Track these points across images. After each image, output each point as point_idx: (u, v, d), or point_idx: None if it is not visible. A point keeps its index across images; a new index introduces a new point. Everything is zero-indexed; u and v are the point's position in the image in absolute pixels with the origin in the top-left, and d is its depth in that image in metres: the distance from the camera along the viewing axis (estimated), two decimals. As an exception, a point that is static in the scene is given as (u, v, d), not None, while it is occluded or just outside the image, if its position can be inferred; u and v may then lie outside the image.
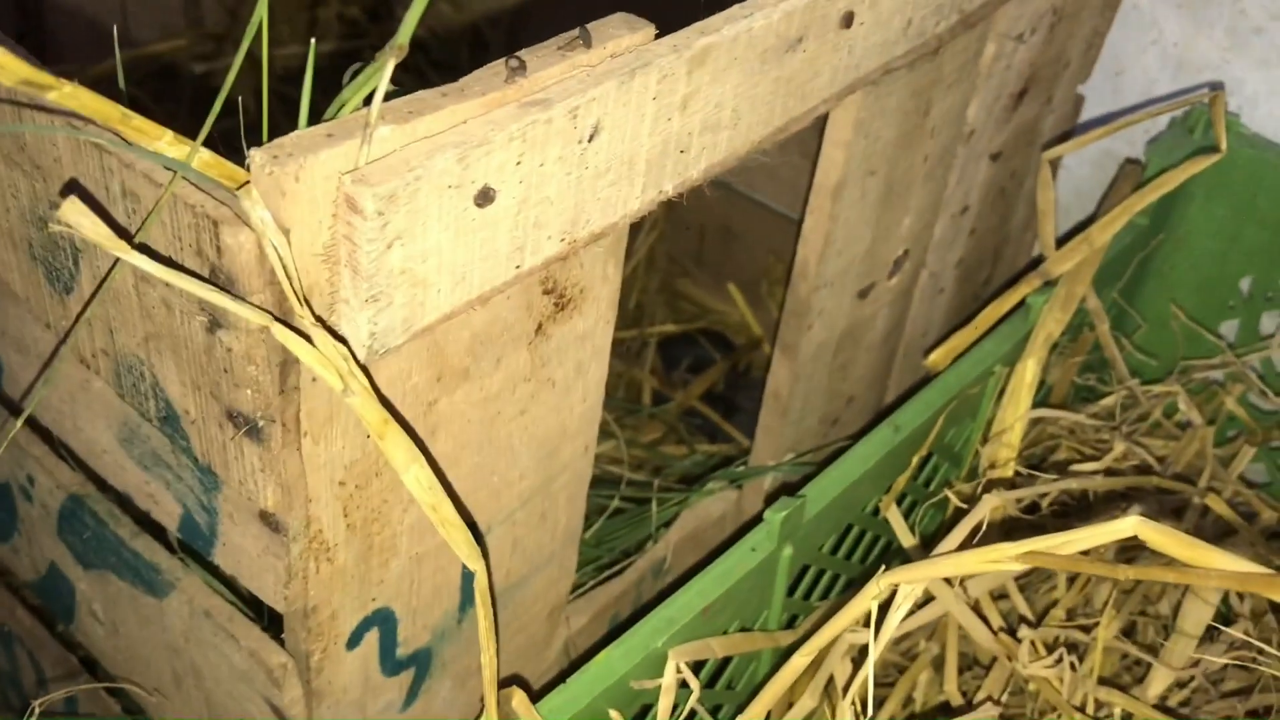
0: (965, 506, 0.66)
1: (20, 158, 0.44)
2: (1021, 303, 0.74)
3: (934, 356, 0.76)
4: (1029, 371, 0.71)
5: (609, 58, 0.45)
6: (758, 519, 0.60)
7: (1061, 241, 0.76)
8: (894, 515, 0.67)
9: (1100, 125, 0.80)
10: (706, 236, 1.12)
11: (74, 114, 0.38)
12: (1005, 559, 0.45)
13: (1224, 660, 0.64)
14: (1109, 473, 0.74)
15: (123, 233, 0.40)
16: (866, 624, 0.50)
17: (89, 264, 0.46)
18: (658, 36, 0.47)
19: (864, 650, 0.57)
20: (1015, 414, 0.72)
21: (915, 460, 0.67)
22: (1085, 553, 0.44)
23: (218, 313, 0.40)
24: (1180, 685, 0.67)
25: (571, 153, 0.44)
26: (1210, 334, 0.86)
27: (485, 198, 0.41)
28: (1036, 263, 0.76)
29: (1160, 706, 0.64)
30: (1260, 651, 0.62)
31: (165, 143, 0.37)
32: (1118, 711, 0.62)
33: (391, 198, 0.38)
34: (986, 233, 0.85)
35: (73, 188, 0.43)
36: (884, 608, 0.49)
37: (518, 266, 0.45)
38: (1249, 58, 0.81)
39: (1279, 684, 0.64)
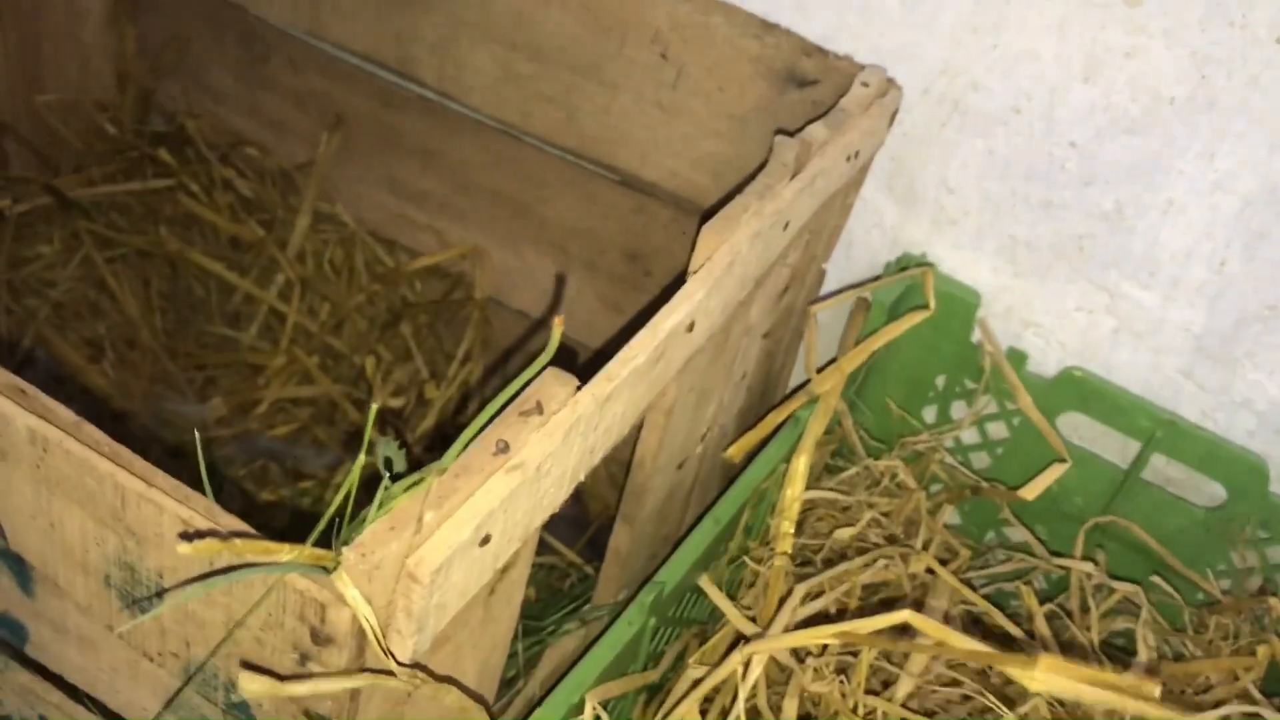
0: (760, 569, 0.90)
1: (115, 524, 0.58)
2: (792, 415, 0.96)
3: (732, 450, 0.98)
4: (802, 465, 0.94)
5: (553, 416, 0.63)
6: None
7: (821, 368, 0.99)
8: (709, 587, 0.88)
9: (838, 288, 1.05)
10: (509, 355, 1.30)
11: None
12: (827, 636, 0.68)
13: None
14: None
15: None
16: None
17: (173, 595, 0.59)
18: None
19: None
20: (794, 496, 0.94)
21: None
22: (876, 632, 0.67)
23: (310, 652, 0.56)
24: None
25: (535, 490, 0.62)
26: (915, 419, 1.12)
27: (485, 541, 0.59)
28: (801, 386, 0.99)
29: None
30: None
31: (281, 555, 0.53)
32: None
33: (439, 570, 0.55)
34: (756, 384, 1.07)
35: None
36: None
37: (496, 567, 0.63)
38: (945, 240, 1.07)
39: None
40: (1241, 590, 1.05)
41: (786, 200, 0.78)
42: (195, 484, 0.59)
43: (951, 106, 1.00)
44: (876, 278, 1.08)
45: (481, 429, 0.60)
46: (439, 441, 1.24)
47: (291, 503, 1.17)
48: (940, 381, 1.12)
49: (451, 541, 0.56)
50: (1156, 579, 1.02)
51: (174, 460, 1.24)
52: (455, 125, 1.19)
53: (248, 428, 1.25)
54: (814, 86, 0.99)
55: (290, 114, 1.29)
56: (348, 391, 1.25)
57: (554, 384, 0.64)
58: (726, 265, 0.73)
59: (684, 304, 0.72)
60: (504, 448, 0.59)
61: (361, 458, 0.57)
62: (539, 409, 0.62)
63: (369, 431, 0.59)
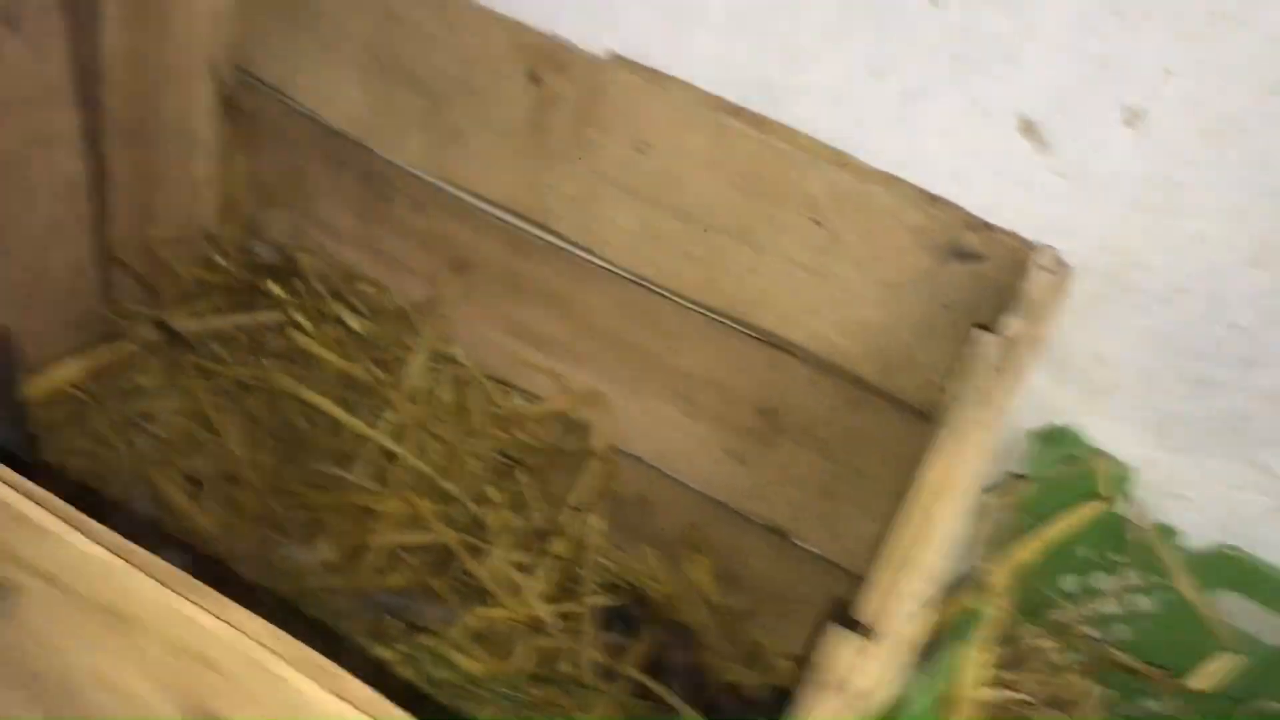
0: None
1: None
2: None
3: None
4: (976, 660, 0.92)
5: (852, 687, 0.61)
6: None
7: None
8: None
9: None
10: (625, 504, 1.28)
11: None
12: None
13: None
14: None
15: None
16: None
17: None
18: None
19: None
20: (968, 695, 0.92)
21: None
22: None
23: None
24: None
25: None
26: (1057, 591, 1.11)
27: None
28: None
29: None
30: None
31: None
32: None
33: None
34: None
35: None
36: None
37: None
38: (1093, 410, 1.06)
39: None
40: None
41: (999, 405, 0.78)
42: (310, 638, 0.59)
43: (1111, 282, 0.99)
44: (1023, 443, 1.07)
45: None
46: (561, 593, 1.22)
47: (412, 662, 1.15)
48: (1080, 550, 1.10)
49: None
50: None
51: (287, 611, 1.22)
52: (587, 275, 1.18)
53: (358, 575, 1.23)
54: (978, 261, 0.99)
55: (410, 253, 1.28)
56: (465, 539, 1.23)
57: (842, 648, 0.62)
58: (962, 484, 0.72)
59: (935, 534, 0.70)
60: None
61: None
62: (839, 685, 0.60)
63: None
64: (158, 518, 1.28)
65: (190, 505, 1.27)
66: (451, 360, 1.30)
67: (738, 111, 1.04)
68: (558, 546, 1.23)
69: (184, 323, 1.31)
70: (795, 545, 1.21)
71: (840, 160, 1.02)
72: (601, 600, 1.23)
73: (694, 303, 1.14)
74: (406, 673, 1.13)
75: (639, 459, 1.26)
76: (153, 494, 1.27)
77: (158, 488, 1.27)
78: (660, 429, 1.23)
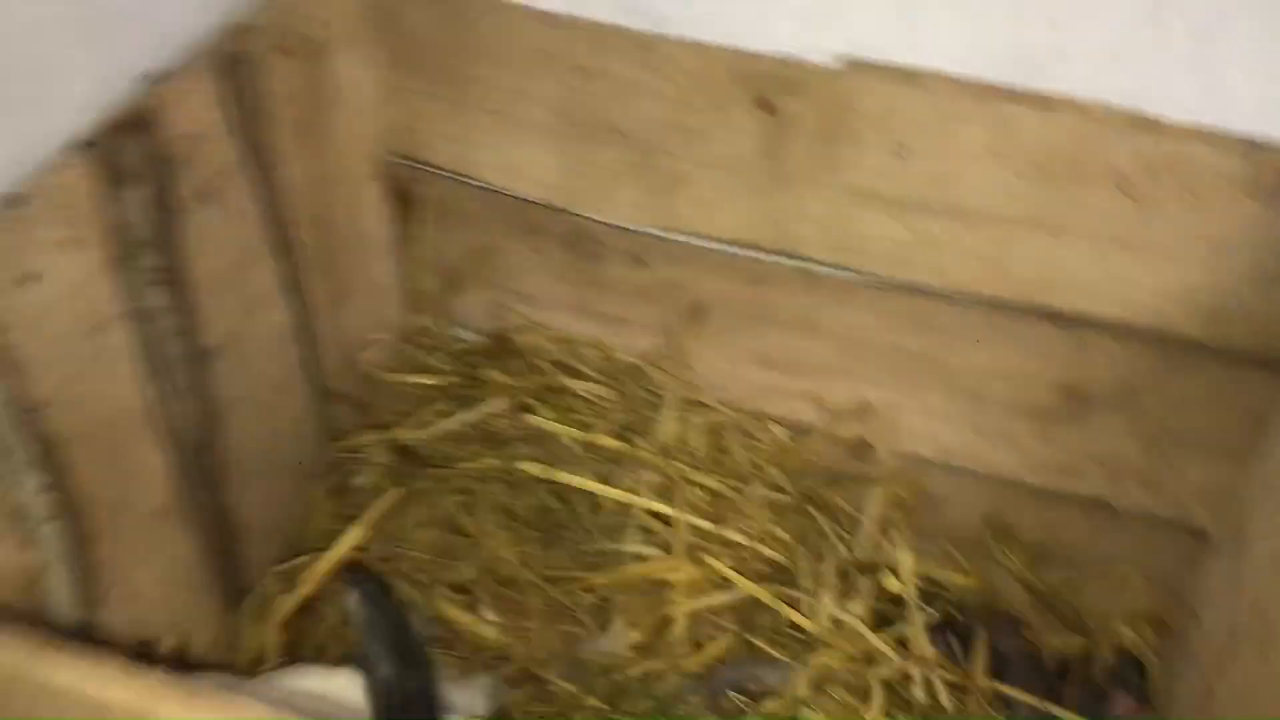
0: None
1: None
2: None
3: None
4: None
5: None
6: None
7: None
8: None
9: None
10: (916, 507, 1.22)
11: None
12: None
13: None
14: None
15: None
16: None
17: None
18: None
19: None
20: None
21: None
22: None
23: None
24: None
25: None
26: None
27: None
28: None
29: None
30: None
31: None
32: None
33: None
34: None
35: None
36: None
37: None
38: None
39: None
40: None
41: None
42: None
43: None
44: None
45: None
46: (881, 618, 1.16)
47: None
48: None
49: None
50: None
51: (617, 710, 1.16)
52: (843, 292, 1.10)
53: (673, 651, 1.17)
54: (1318, 200, 0.91)
55: (631, 307, 1.20)
56: (772, 589, 1.17)
57: None
58: None
59: None
60: None
61: None
62: None
63: None
64: (443, 639, 1.22)
65: (472, 619, 1.20)
66: (699, 405, 1.23)
67: (1013, 95, 0.95)
68: (866, 571, 1.17)
69: (413, 435, 1.23)
70: (1115, 510, 1.16)
71: (1140, 123, 0.93)
72: (926, 614, 1.18)
73: (976, 298, 1.06)
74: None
75: (924, 459, 1.19)
76: (430, 616, 1.21)
77: (436, 609, 1.20)
78: (944, 427, 1.16)
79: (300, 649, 1.11)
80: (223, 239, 0.98)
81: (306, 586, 1.08)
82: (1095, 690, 1.19)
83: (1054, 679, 1.20)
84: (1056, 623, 1.24)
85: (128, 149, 0.87)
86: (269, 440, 1.11)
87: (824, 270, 1.09)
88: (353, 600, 0.94)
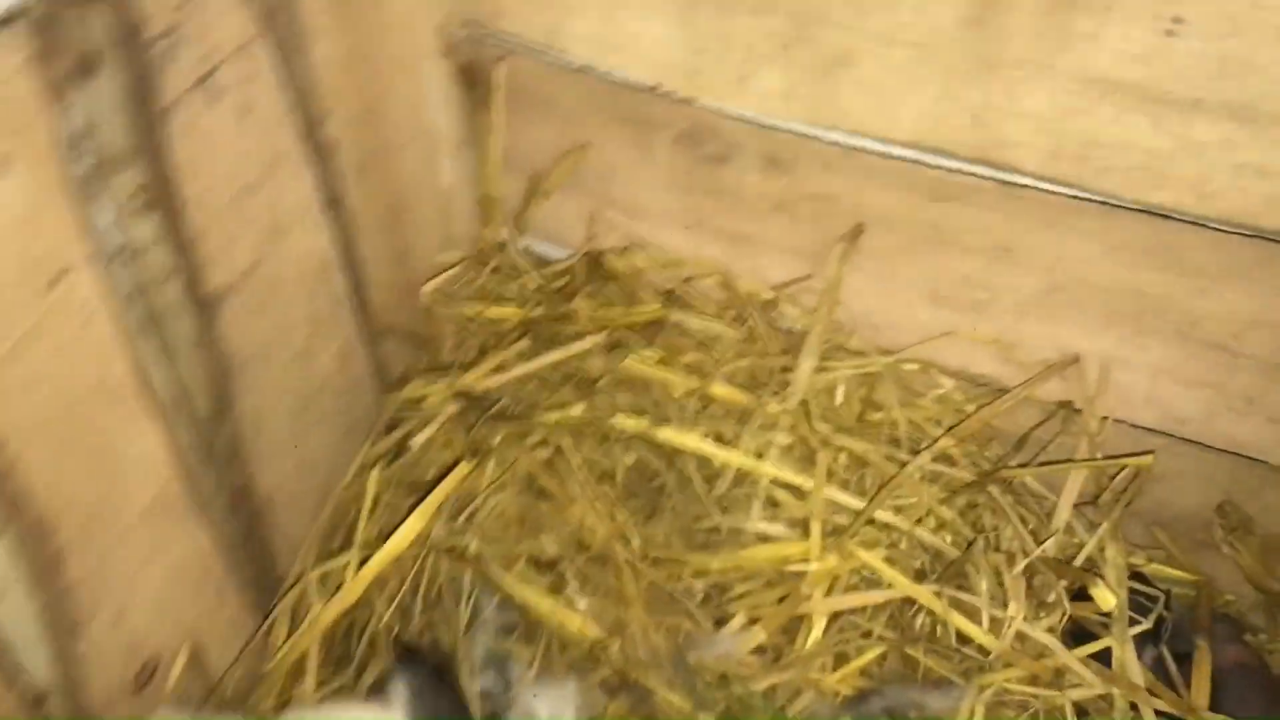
0: None
1: None
2: None
3: None
4: None
5: None
6: None
7: None
8: None
9: None
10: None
11: None
12: None
13: None
14: None
15: None
16: None
17: None
18: None
19: None
20: None
21: None
22: None
23: None
24: None
25: None
26: None
27: None
28: None
29: None
30: None
31: None
32: None
33: None
34: None
35: None
36: None
37: None
38: None
39: None
40: None
41: None
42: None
43: None
44: None
45: None
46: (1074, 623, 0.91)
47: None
48: None
49: None
50: None
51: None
52: (1062, 213, 0.82)
53: (805, 660, 0.93)
54: None
55: (765, 225, 0.92)
56: (944, 593, 0.92)
57: None
58: None
59: None
60: None
61: None
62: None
63: None
64: (516, 626, 0.99)
65: (557, 604, 0.97)
66: (849, 351, 0.97)
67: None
68: (1061, 571, 0.92)
69: (486, 381, 0.98)
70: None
71: None
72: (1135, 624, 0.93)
73: (1250, 228, 0.78)
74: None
75: (1144, 430, 0.93)
76: (499, 600, 0.98)
77: (512, 590, 0.97)
78: (1177, 389, 0.89)
79: (344, 665, 0.89)
80: (232, 144, 0.72)
81: (353, 591, 0.85)
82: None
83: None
84: (1292, 630, 0.99)
85: (87, 22, 0.60)
86: (301, 399, 0.87)
87: (1039, 186, 0.81)
88: (401, 693, 0.72)
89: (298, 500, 0.89)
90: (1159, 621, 0.94)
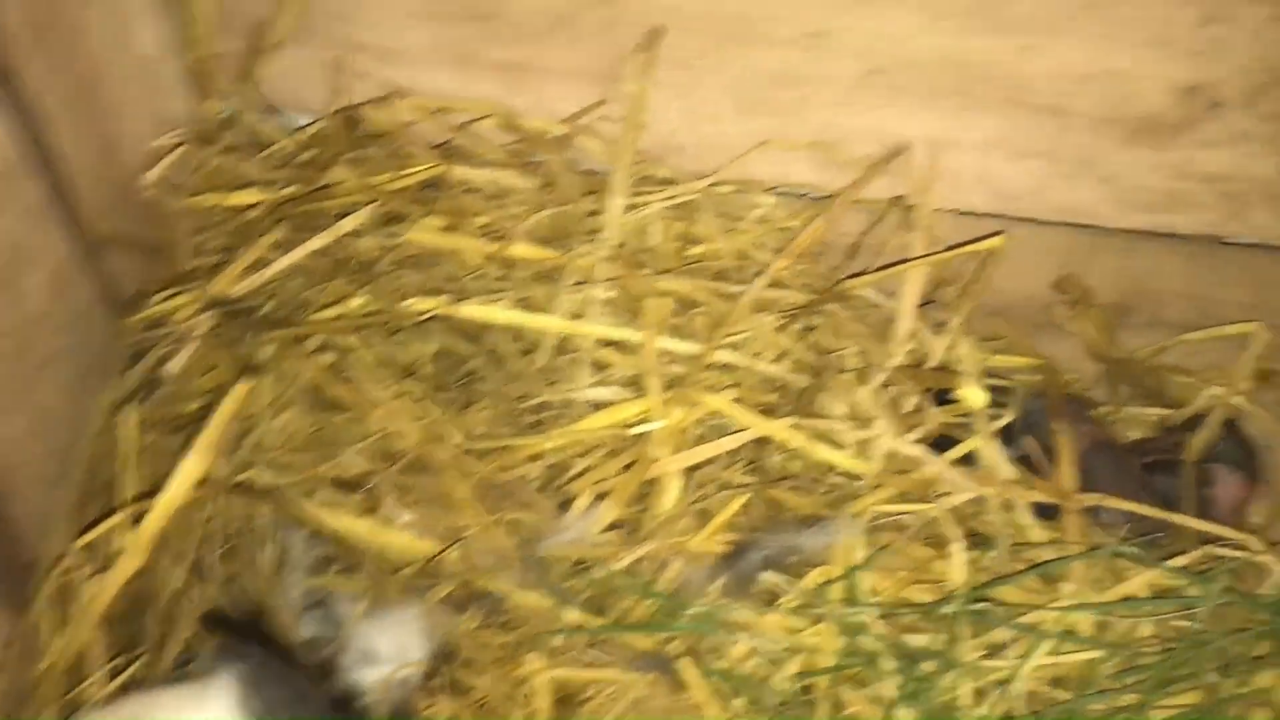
0: None
1: None
2: None
3: None
4: None
5: None
6: None
7: None
8: None
9: None
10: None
11: None
12: None
13: None
14: None
15: None
16: None
17: None
18: None
19: None
20: None
21: None
22: None
23: None
24: None
25: None
26: None
27: None
28: None
29: None
30: None
31: None
32: None
33: None
34: None
35: None
36: None
37: None
38: None
39: None
40: None
41: None
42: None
43: None
44: None
45: None
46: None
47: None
48: None
49: None
50: None
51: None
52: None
53: (667, 532, 0.84)
54: None
55: (545, 47, 0.79)
56: (801, 425, 0.84)
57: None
58: None
59: None
60: None
61: None
62: None
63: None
64: (333, 559, 0.86)
65: (374, 525, 0.84)
66: (659, 182, 0.86)
67: None
68: (916, 378, 0.86)
69: (239, 283, 0.82)
70: (1226, 244, 0.87)
71: None
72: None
73: None
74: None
75: (977, 214, 0.87)
76: (313, 533, 0.84)
77: (316, 521, 0.83)
78: (1008, 164, 0.83)
79: (135, 648, 0.73)
80: None
81: (132, 559, 0.70)
82: (1202, 475, 0.94)
83: (1136, 465, 0.94)
84: (1139, 397, 0.97)
85: None
86: (14, 343, 0.69)
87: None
88: (229, 690, 0.57)
89: (37, 464, 0.72)
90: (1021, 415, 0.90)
